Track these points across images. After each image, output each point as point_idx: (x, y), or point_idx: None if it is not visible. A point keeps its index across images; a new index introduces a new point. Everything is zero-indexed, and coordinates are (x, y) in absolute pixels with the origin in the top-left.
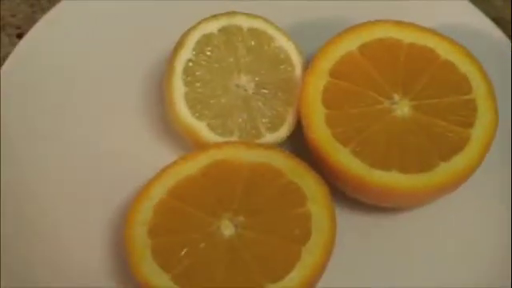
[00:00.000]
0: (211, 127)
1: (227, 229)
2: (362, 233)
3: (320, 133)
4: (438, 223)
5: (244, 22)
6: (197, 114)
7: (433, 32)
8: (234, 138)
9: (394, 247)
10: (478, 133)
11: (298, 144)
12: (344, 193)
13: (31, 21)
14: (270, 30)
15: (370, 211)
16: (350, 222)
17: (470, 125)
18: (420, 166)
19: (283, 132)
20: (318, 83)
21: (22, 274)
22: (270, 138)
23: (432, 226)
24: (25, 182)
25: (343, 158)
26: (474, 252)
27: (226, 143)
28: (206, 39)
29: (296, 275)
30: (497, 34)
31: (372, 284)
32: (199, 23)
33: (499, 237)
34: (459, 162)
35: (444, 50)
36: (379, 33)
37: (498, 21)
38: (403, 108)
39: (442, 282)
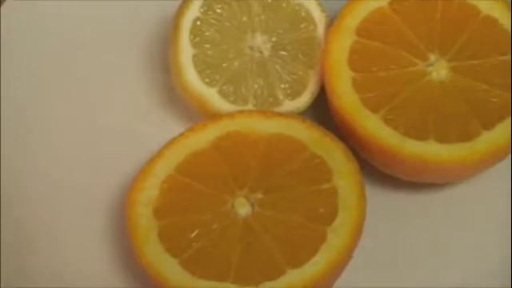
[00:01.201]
0: (223, 94)
1: (243, 207)
2: (394, 212)
3: (346, 99)
4: (478, 202)
5: None
6: (206, 80)
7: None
8: (248, 107)
9: (428, 228)
10: None
11: (322, 112)
12: (374, 167)
13: None
14: None
15: (404, 187)
16: (380, 199)
17: None
18: (459, 135)
19: (304, 99)
20: (343, 43)
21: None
22: (289, 105)
23: (471, 206)
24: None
25: (373, 126)
26: None
27: (240, 112)
28: None
29: (321, 259)
30: None
31: (403, 269)
32: None
33: None
34: (503, 130)
35: (485, 5)
36: None
37: None
38: (440, 70)
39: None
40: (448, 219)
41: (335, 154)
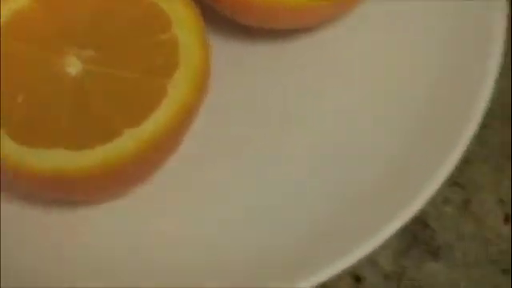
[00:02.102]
0: None
1: (73, 66)
2: (245, 63)
3: None
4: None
5: None
6: None
7: None
8: None
9: (280, 80)
10: None
11: None
12: (221, 14)
13: None
14: None
15: (257, 36)
16: (229, 50)
17: None
18: None
19: None
20: None
21: None
22: None
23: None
24: None
25: None
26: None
27: None
28: None
29: (161, 115)
30: None
31: (256, 125)
32: None
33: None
34: None
35: None
36: None
37: None
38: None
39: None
40: (303, 70)
41: (174, 2)
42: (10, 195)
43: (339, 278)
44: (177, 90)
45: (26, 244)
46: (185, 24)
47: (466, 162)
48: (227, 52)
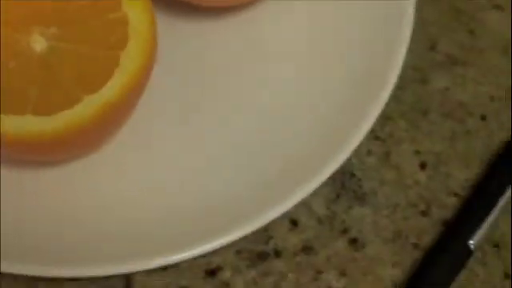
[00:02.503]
0: None
1: (38, 43)
2: (185, 37)
3: None
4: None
5: None
6: None
7: None
8: None
9: (221, 52)
10: None
11: None
12: None
13: None
14: None
15: (195, 14)
16: (172, 25)
17: None
18: None
19: None
20: None
21: None
22: None
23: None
24: None
25: None
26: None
27: None
28: None
29: (116, 82)
30: None
31: (200, 90)
32: None
33: None
34: None
35: None
36: None
37: None
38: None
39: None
40: (236, 42)
41: None
42: None
43: (279, 222)
44: (128, 61)
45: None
46: (134, 4)
47: (385, 118)
48: (171, 28)
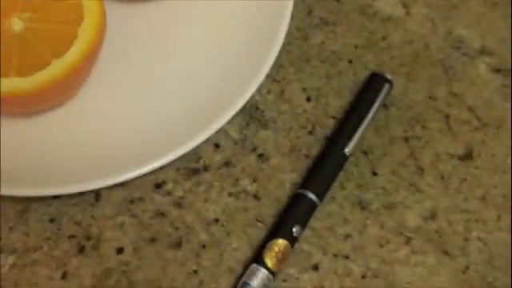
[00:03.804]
0: None
1: (17, 25)
2: (127, 16)
3: None
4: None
5: None
6: None
7: None
8: None
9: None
10: None
11: None
12: None
13: None
14: None
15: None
16: (116, 6)
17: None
18: None
19: None
20: None
21: None
22: None
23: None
24: None
25: None
26: None
27: None
28: None
29: (75, 49)
30: None
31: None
32: None
33: None
34: None
35: None
36: None
37: None
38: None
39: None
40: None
41: None
42: None
43: (205, 145)
44: (84, 34)
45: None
46: None
47: (279, 65)
48: (115, 9)
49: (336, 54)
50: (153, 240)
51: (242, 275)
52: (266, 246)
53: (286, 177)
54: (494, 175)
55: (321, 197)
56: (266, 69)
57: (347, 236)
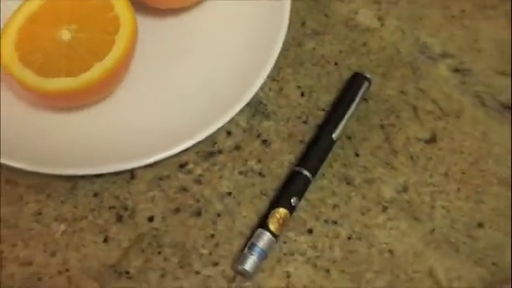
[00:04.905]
0: None
1: (65, 35)
2: (154, 28)
3: None
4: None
5: None
6: None
7: None
8: None
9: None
10: None
11: None
12: (142, 2)
13: None
14: None
15: (160, 15)
16: (145, 19)
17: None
18: None
19: None
20: None
21: None
22: None
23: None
24: None
25: None
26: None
27: None
28: None
29: (113, 54)
30: None
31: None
32: None
33: None
34: None
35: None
36: None
37: None
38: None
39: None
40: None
41: None
42: (34, 106)
43: (219, 132)
44: (120, 41)
45: (44, 136)
46: (121, 6)
47: (278, 67)
48: (145, 22)
49: (325, 57)
50: (177, 210)
51: (250, 238)
52: (269, 214)
53: (284, 158)
54: (454, 155)
55: (313, 174)
56: (267, 70)
57: (335, 206)
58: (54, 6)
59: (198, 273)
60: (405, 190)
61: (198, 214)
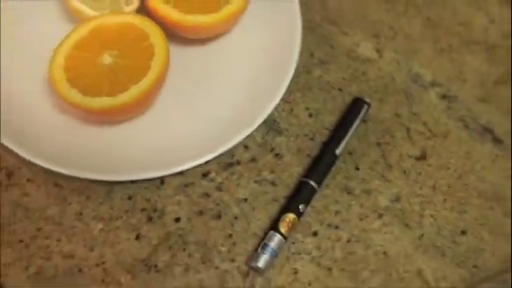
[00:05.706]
0: (91, 6)
1: (107, 60)
2: (184, 57)
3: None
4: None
5: None
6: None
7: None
8: (106, 11)
9: (203, 63)
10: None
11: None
12: (175, 33)
13: None
14: None
15: (189, 43)
16: (175, 47)
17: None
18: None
19: (135, 5)
20: None
21: None
22: (128, 8)
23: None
24: None
25: (172, 14)
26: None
27: (102, 14)
28: None
29: (148, 78)
30: None
31: (197, 82)
32: None
33: None
34: None
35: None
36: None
37: None
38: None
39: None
40: (212, 55)
41: (150, 26)
42: (81, 122)
43: (238, 146)
44: (155, 67)
45: (87, 146)
46: (156, 36)
47: (289, 91)
48: (176, 50)
49: (330, 84)
50: (200, 213)
51: (263, 238)
52: (280, 218)
53: (294, 169)
54: (441, 171)
55: (319, 184)
56: (280, 94)
57: (337, 212)
58: (98, 34)
59: (217, 268)
60: (398, 199)
61: (218, 216)
